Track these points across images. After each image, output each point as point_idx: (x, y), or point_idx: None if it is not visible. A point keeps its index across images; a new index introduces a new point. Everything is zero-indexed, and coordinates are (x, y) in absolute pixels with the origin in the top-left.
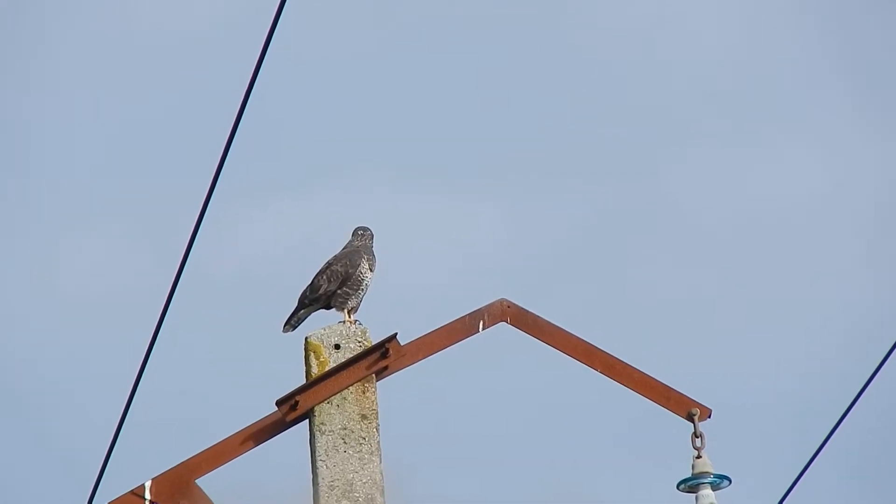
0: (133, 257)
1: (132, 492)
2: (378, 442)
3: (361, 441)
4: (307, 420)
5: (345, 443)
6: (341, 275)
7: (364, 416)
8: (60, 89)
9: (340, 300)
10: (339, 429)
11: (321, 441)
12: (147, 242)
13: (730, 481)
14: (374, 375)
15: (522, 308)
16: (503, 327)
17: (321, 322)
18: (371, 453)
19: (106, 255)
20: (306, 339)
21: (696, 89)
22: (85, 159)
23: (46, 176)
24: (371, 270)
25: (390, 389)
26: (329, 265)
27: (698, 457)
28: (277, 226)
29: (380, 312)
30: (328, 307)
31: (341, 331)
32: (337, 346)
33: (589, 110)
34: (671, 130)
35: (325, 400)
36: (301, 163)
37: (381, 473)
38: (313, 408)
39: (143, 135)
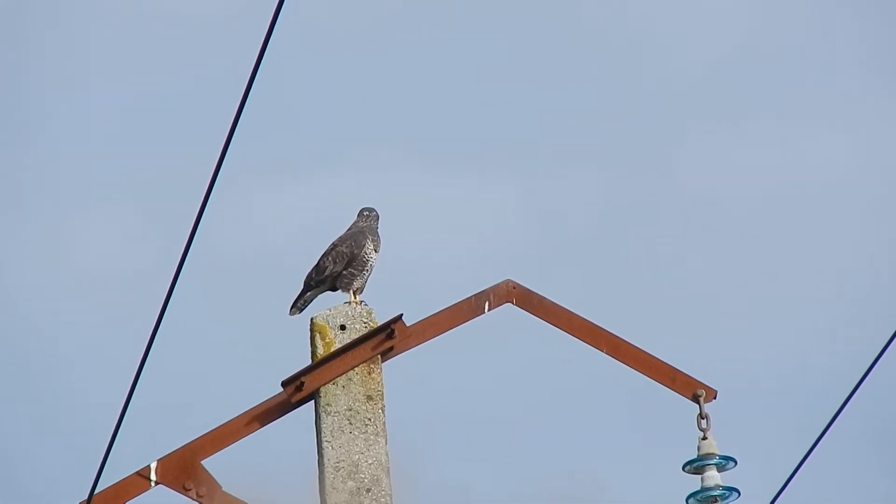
0: (146, 237)
1: (138, 473)
2: (384, 423)
3: (367, 422)
4: (313, 401)
5: (350, 424)
6: (347, 255)
7: (370, 397)
8: (75, 65)
9: (346, 281)
10: (345, 410)
11: (327, 422)
12: (161, 222)
13: (735, 463)
14: (379, 356)
15: (528, 289)
16: (509, 308)
17: (327, 303)
18: (377, 434)
19: (119, 234)
20: (312, 319)
21: (709, 73)
22: (100, 138)
23: (61, 153)
24: (376, 251)
25: (396, 370)
26: (334, 246)
27: (704, 438)
28: (289, 206)
29: (389, 294)
30: (334, 289)
31: (347, 312)
32: (342, 327)
33: (601, 94)
34: (681, 115)
35: (331, 381)
36: (313, 143)
37: (387, 454)
38: (319, 389)
39: (161, 113)
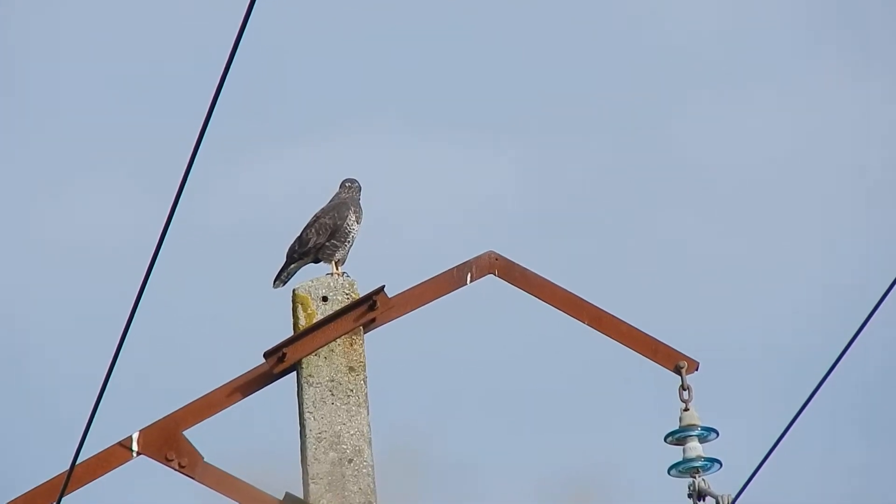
0: (137, 207)
1: (119, 443)
2: (366, 394)
3: (349, 393)
4: (295, 372)
5: (332, 395)
6: (330, 227)
7: (352, 369)
8: (63, 31)
9: (328, 252)
10: (327, 381)
11: (309, 393)
12: (152, 192)
13: (717, 434)
14: (361, 328)
15: (510, 260)
16: (491, 280)
17: (309, 274)
18: (359, 405)
19: (110, 204)
20: (294, 291)
21: (708, 41)
22: (93, 106)
23: (52, 121)
24: (358, 222)
25: (378, 341)
26: (317, 218)
27: (686, 409)
28: (273, 178)
29: (373, 265)
30: (317, 261)
31: (329, 283)
32: (325, 299)
33: (598, 63)
34: (679, 84)
35: (313, 352)
36: (299, 114)
37: (369, 425)
38: (301, 360)
39: (156, 81)
